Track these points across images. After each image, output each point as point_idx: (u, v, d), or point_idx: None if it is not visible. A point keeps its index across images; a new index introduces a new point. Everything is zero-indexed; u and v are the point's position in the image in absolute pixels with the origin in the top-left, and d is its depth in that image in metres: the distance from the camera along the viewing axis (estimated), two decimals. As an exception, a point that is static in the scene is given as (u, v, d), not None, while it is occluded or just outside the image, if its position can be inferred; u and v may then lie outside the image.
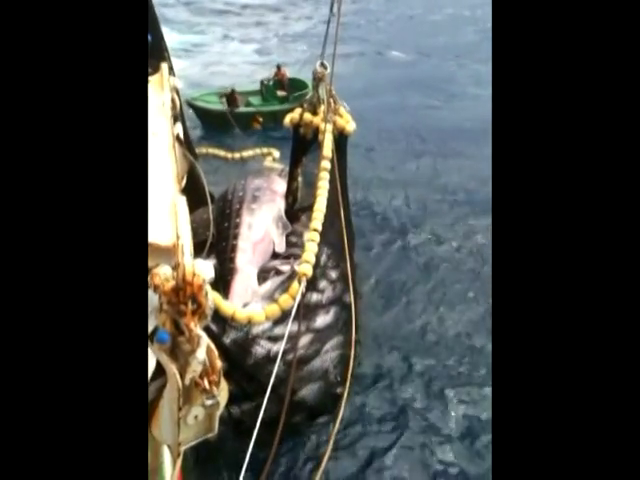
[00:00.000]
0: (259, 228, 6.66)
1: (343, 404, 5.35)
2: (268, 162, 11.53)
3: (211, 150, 12.25)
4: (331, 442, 4.89)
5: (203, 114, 15.02)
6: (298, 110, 6.27)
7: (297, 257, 6.10)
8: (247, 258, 6.26)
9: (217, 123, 14.73)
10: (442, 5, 28.99)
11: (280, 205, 7.18)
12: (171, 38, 24.29)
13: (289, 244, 6.80)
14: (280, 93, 15.53)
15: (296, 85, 15.53)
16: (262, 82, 15.70)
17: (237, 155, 12.28)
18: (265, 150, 12.18)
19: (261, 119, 14.78)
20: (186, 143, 6.55)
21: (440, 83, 18.78)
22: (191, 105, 14.70)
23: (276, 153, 11.65)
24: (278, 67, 15.79)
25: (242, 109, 14.89)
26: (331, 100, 5.97)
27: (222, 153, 12.32)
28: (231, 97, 14.85)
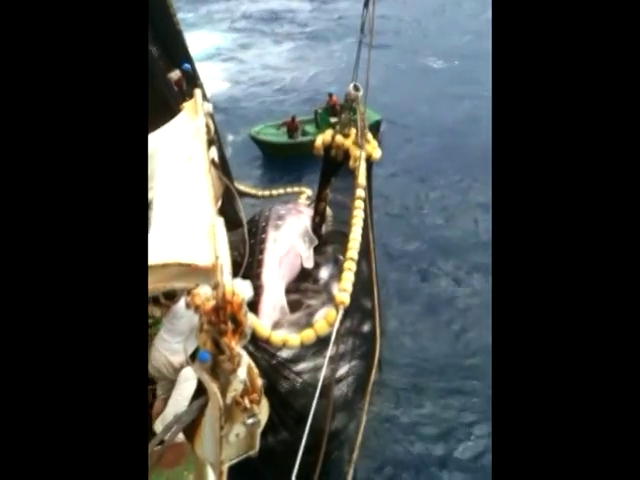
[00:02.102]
0: (284, 241, 6.60)
1: (361, 432, 5.30)
2: (303, 200, 11.55)
3: (240, 187, 12.37)
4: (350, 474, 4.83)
5: (267, 147, 16.01)
6: (330, 132, 6.30)
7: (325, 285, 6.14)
8: (274, 273, 6.22)
9: (280, 154, 15.81)
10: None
11: (306, 222, 7.14)
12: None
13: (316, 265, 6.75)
14: (333, 119, 15.75)
15: (349, 106, 15.66)
16: (316, 111, 16.40)
17: (267, 192, 12.36)
18: (297, 189, 12.22)
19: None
20: (222, 166, 6.66)
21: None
22: (254, 139, 15.90)
23: (308, 191, 11.68)
24: (330, 95, 16.29)
25: (301, 139, 15.68)
26: (362, 124, 6.00)
27: (253, 191, 12.42)
28: (292, 124, 15.72)
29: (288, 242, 6.62)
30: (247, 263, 6.12)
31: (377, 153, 6.06)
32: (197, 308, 2.67)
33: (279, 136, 16.03)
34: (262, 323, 5.00)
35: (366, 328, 6.25)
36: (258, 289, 5.96)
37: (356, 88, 5.68)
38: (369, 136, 6.10)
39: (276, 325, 5.55)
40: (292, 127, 15.78)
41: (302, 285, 6.48)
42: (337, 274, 6.26)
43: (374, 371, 5.71)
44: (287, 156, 15.50)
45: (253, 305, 5.74)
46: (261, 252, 6.36)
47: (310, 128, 16.15)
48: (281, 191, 12.29)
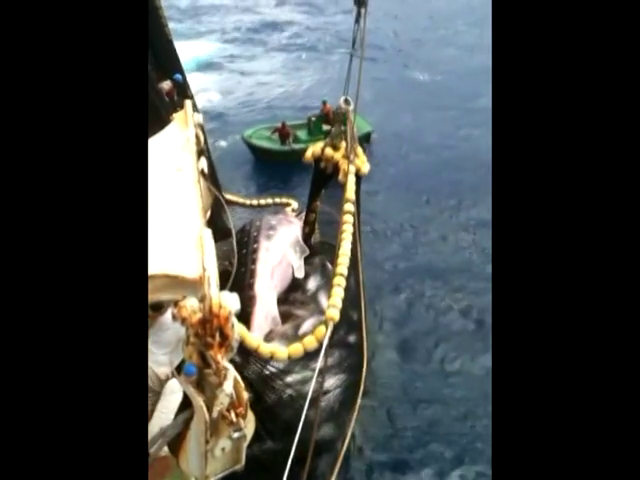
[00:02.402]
0: (277, 252, 6.60)
1: (345, 445, 5.29)
2: (289, 211, 11.59)
3: (229, 196, 12.39)
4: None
5: (258, 151, 16.04)
6: (320, 144, 6.32)
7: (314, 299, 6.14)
8: (266, 283, 6.21)
9: (272, 159, 15.82)
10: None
11: (297, 232, 7.17)
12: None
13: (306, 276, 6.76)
14: (325, 127, 16.13)
15: (339, 119, 15.87)
16: (309, 118, 16.44)
17: (255, 202, 12.39)
18: (284, 200, 12.27)
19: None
20: (211, 177, 6.65)
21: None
22: (247, 142, 15.95)
23: (295, 204, 11.72)
24: (324, 102, 16.33)
25: (294, 146, 15.65)
26: (352, 138, 6.03)
27: (240, 200, 12.45)
28: (283, 131, 15.68)
29: (280, 252, 6.63)
30: (240, 273, 6.12)
31: (366, 167, 6.09)
32: (184, 320, 2.64)
33: (271, 142, 16.03)
34: (251, 334, 4.98)
35: (352, 339, 6.25)
36: (251, 299, 5.95)
37: (347, 102, 5.70)
38: (359, 150, 6.12)
39: (268, 336, 5.54)
40: (283, 133, 15.78)
41: (292, 295, 6.48)
42: (325, 284, 6.29)
43: (362, 384, 5.70)
44: (278, 162, 15.53)
45: (245, 315, 5.73)
46: (253, 262, 6.34)
47: (303, 135, 16.21)
48: (269, 201, 12.32)
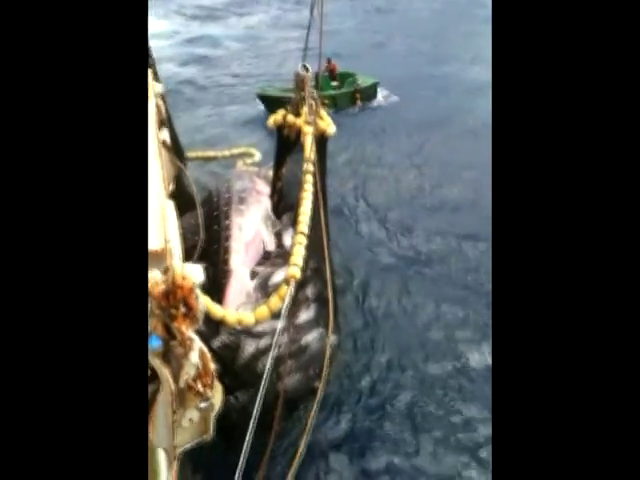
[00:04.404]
0: (249, 228, 6.63)
1: (317, 399, 5.37)
2: (240, 165, 11.51)
3: (201, 153, 12.25)
4: (305, 438, 4.87)
5: (273, 102, 15.37)
6: (281, 111, 6.30)
7: (280, 256, 6.17)
8: (240, 259, 6.24)
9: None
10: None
11: (267, 204, 7.18)
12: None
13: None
14: (333, 84, 16.68)
15: (345, 74, 16.81)
16: (317, 74, 16.09)
17: (227, 152, 12.25)
18: (247, 150, 12.13)
19: (326, 101, 15.47)
20: (175, 148, 6.58)
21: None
22: (261, 96, 15.78)
23: (257, 155, 11.64)
24: (328, 60, 16.42)
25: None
26: (312, 102, 6.02)
27: (212, 153, 12.29)
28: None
29: (253, 229, 6.66)
30: (213, 250, 6.14)
31: (331, 129, 6.09)
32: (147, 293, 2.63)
33: (287, 92, 15.96)
34: (215, 305, 4.99)
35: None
36: (226, 274, 5.98)
37: (305, 68, 5.69)
38: (322, 112, 6.11)
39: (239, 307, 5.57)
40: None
41: (262, 267, 6.53)
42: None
43: (331, 336, 5.78)
44: None
45: (220, 289, 5.76)
46: (227, 239, 6.36)
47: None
48: (234, 152, 12.21)
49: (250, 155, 11.67)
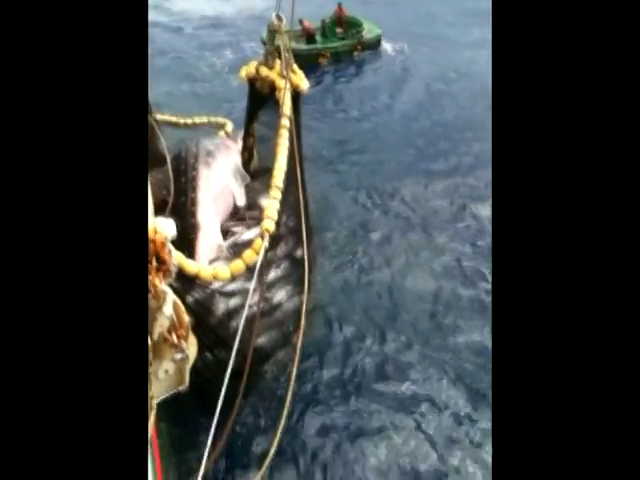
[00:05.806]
0: (217, 180, 6.49)
1: (297, 352, 5.45)
2: (222, 135, 11.27)
3: (160, 117, 11.91)
4: (289, 393, 4.96)
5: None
6: (254, 63, 6.13)
7: (254, 218, 6.13)
8: (209, 211, 6.14)
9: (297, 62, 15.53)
10: None
11: (236, 159, 7.02)
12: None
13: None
14: (339, 30, 16.43)
15: (352, 23, 16.54)
16: (323, 21, 16.40)
17: (189, 121, 11.97)
18: (221, 120, 11.87)
19: (328, 55, 15.75)
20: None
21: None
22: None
23: (229, 125, 11.39)
24: (339, 5, 16.39)
25: (308, 46, 15.66)
26: (287, 55, 5.88)
27: (174, 119, 12.01)
28: (304, 30, 15.56)
29: (221, 180, 6.53)
30: (180, 202, 6.04)
31: (304, 84, 5.98)
32: (119, 247, 2.62)
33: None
34: (189, 261, 4.98)
35: (300, 253, 6.30)
36: (194, 227, 5.91)
37: (278, 18, 5.53)
38: (295, 67, 5.99)
39: (213, 262, 5.55)
40: (308, 33, 15.69)
41: (234, 222, 6.47)
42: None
43: (306, 295, 5.83)
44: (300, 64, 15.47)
45: (189, 244, 5.72)
46: (194, 190, 6.23)
47: (317, 37, 16.15)
48: (204, 120, 11.99)
49: (221, 125, 11.39)
